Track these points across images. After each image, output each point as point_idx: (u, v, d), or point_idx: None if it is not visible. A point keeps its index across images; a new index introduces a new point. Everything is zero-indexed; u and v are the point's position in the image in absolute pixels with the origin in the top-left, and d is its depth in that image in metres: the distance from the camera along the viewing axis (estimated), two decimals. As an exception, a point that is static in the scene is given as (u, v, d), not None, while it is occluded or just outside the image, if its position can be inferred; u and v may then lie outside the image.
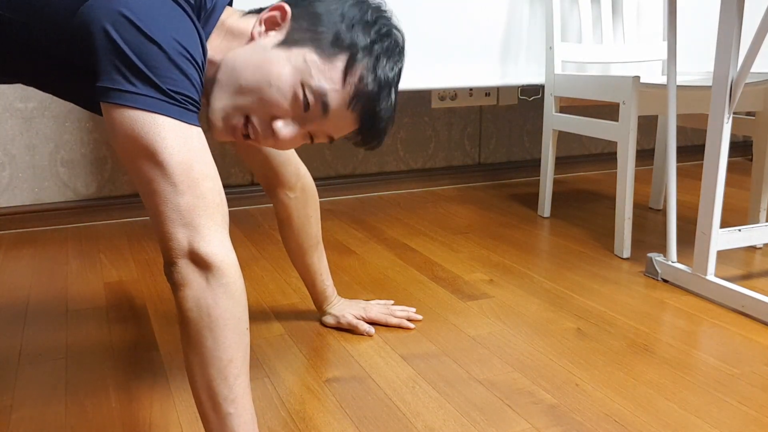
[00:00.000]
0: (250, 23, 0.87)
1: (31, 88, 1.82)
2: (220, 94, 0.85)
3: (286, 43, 0.84)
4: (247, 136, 0.86)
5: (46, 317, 1.34)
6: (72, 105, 1.95)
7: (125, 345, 1.22)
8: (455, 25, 1.93)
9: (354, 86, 0.84)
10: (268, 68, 0.83)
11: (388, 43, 0.86)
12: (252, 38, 0.86)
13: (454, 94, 2.41)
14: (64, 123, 1.96)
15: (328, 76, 0.83)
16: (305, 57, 0.83)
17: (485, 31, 1.97)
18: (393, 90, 0.88)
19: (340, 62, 0.84)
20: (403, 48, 0.90)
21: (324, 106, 0.84)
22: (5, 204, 1.94)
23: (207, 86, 0.86)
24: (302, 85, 0.83)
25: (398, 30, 0.89)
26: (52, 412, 1.00)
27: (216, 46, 0.86)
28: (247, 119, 0.85)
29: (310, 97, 0.83)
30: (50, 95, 1.93)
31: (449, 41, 1.93)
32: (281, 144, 0.87)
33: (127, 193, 2.07)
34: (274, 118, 0.84)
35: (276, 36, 0.85)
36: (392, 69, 0.87)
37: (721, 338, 1.24)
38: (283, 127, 0.84)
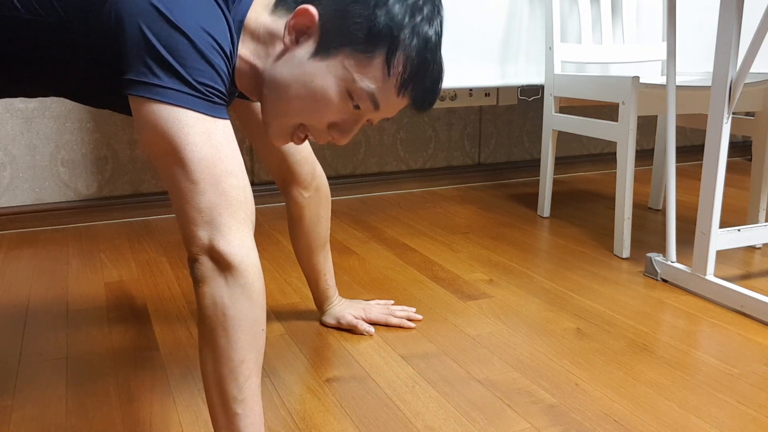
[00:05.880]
0: (280, 25, 0.84)
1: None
2: (271, 113, 0.86)
3: (321, 51, 0.81)
4: (306, 137, 0.89)
5: (47, 317, 1.35)
6: (72, 105, 1.95)
7: (125, 345, 1.22)
8: (455, 25, 1.93)
9: (399, 76, 0.81)
10: (311, 85, 0.82)
11: (426, 10, 0.82)
12: (285, 48, 0.83)
13: (453, 94, 2.41)
14: (65, 123, 1.96)
15: (371, 75, 0.81)
16: (344, 63, 0.81)
17: (485, 31, 1.97)
18: (438, 49, 0.85)
19: (380, 57, 0.80)
20: (439, 4, 0.85)
21: (374, 102, 0.83)
22: (6, 204, 1.94)
23: (249, 85, 0.87)
24: (348, 92, 0.82)
25: None
26: (52, 412, 1.01)
27: (249, 48, 0.85)
28: (305, 128, 0.87)
29: (358, 100, 0.83)
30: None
31: (449, 42, 1.94)
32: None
33: (128, 193, 2.07)
34: (330, 124, 0.86)
35: (309, 45, 0.82)
36: (435, 31, 0.83)
37: (721, 338, 1.24)
38: (341, 136, 0.87)
